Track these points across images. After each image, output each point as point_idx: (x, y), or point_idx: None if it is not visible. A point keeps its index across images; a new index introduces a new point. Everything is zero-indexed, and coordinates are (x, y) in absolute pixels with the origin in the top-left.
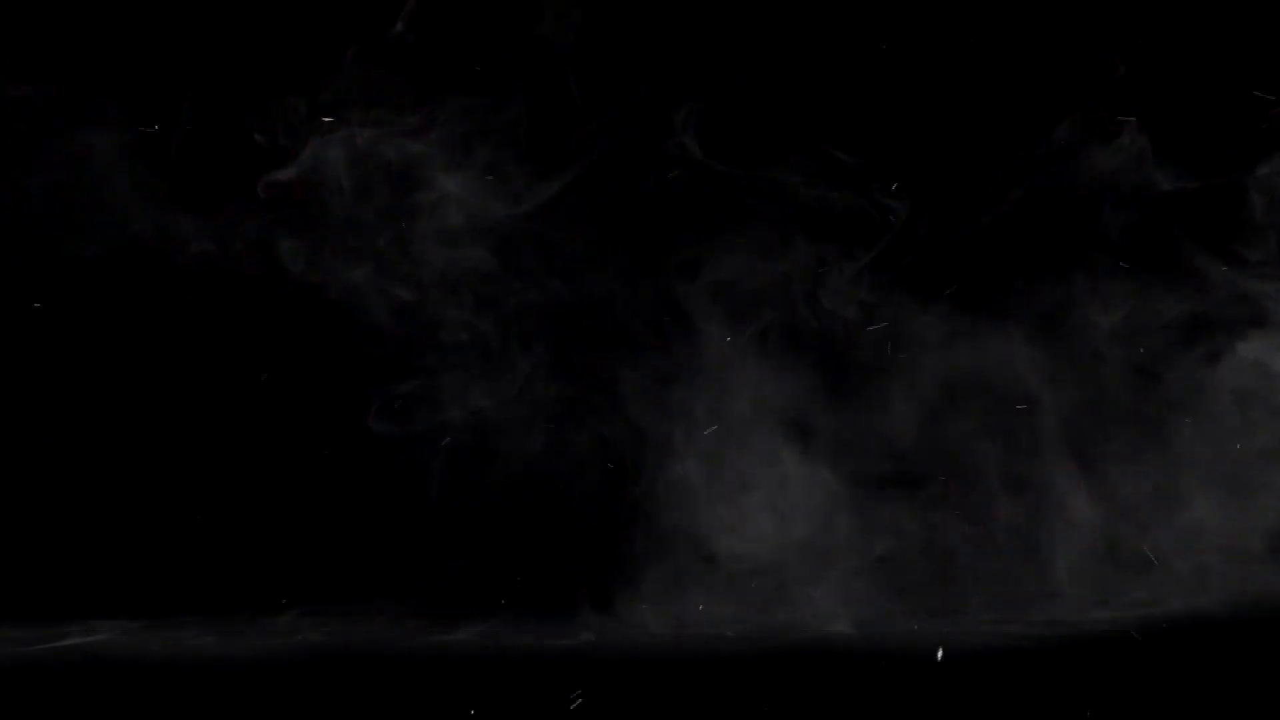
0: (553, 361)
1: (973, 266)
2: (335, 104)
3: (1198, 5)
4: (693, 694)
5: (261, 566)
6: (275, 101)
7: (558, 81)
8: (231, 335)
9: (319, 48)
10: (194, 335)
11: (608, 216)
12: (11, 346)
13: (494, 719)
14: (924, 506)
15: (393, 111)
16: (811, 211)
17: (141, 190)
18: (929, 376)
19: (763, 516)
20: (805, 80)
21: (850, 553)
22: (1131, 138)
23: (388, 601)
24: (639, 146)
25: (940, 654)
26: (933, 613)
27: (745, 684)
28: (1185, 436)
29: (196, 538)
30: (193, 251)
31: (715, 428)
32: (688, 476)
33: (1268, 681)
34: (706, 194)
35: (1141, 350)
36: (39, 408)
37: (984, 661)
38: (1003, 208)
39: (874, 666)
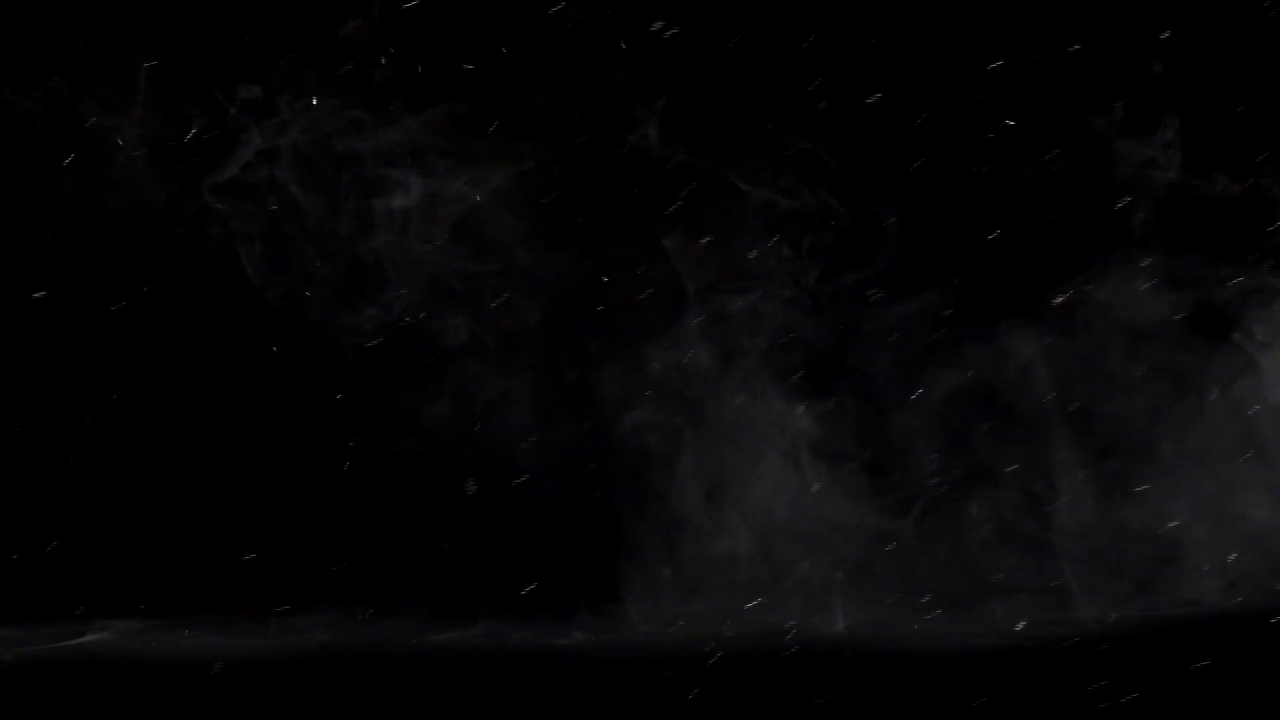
0: (545, 364)
1: (990, 265)
2: (294, 98)
3: (1235, 6)
4: (691, 694)
5: (264, 568)
6: (231, 94)
7: (528, 81)
8: (233, 335)
9: (284, 40)
10: (196, 334)
11: (596, 215)
12: (17, 349)
13: (494, 719)
14: (926, 505)
15: (353, 109)
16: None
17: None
18: (933, 374)
19: (762, 516)
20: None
21: (850, 552)
22: (1167, 136)
23: (388, 601)
24: (620, 144)
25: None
26: (934, 612)
27: (744, 684)
28: (1202, 437)
29: (201, 538)
30: (212, 243)
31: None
32: (684, 476)
33: (1268, 681)
34: (717, 196)
35: (1159, 350)
36: (45, 410)
37: (985, 661)
38: (1023, 204)
39: (873, 666)
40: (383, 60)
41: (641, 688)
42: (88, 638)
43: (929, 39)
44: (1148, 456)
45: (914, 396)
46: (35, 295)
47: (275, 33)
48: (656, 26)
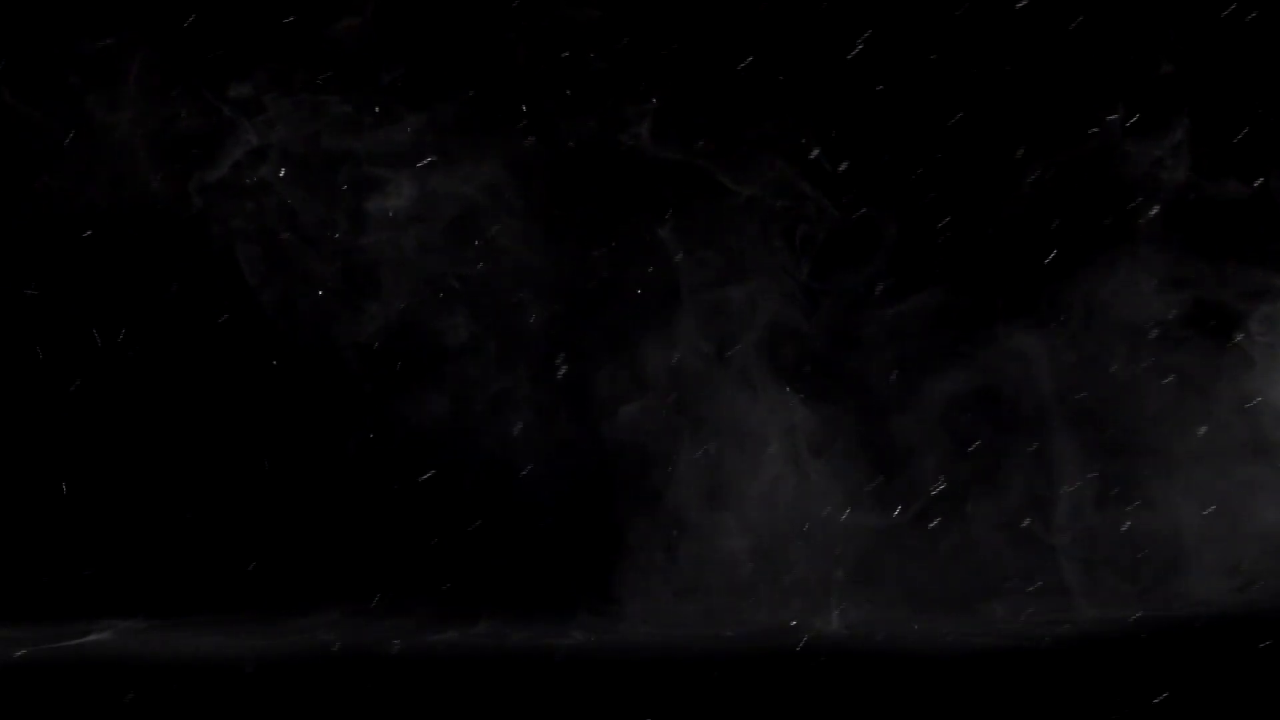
0: (543, 361)
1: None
2: (289, 97)
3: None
4: (692, 694)
5: (264, 568)
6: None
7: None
8: (235, 334)
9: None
10: (198, 334)
11: (591, 212)
12: (16, 348)
13: (494, 719)
14: (926, 503)
15: (348, 106)
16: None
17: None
18: (933, 372)
19: (762, 516)
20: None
21: (850, 551)
22: (1176, 137)
23: (388, 601)
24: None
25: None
26: (934, 612)
27: (744, 684)
28: (1212, 437)
29: (203, 538)
30: (211, 243)
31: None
32: (684, 477)
33: (1268, 681)
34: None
35: (1164, 346)
36: (51, 410)
37: (985, 661)
38: (1027, 203)
39: (873, 666)
40: (385, 77)
41: (641, 688)
42: (88, 638)
43: (934, 38)
44: (1154, 457)
45: (914, 395)
46: (31, 293)
47: (269, 30)
48: None
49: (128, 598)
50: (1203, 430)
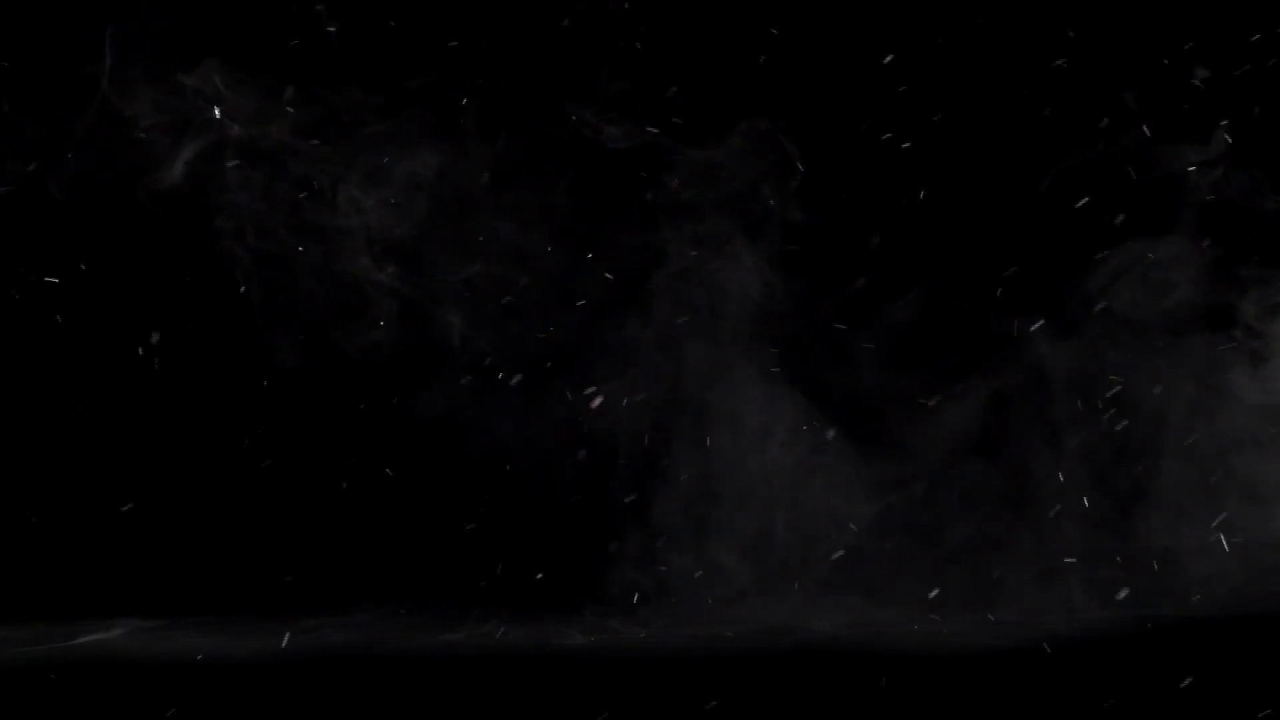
0: (540, 361)
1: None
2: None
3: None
4: (692, 694)
5: (263, 567)
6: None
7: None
8: (234, 334)
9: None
10: (198, 334)
11: (576, 204)
12: (19, 347)
13: (493, 719)
14: (925, 503)
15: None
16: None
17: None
18: (935, 367)
19: (762, 515)
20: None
21: (849, 551)
22: (1217, 144)
23: (388, 602)
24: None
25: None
26: (933, 612)
27: (745, 684)
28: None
29: (205, 538)
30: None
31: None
32: (684, 476)
33: (1267, 681)
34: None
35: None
36: (53, 410)
37: (985, 661)
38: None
39: (873, 666)
40: (410, 83)
41: (642, 688)
42: (89, 637)
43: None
44: (1162, 456)
45: (914, 393)
46: (41, 285)
47: (254, 23)
48: None
49: (128, 598)
50: (1213, 430)
